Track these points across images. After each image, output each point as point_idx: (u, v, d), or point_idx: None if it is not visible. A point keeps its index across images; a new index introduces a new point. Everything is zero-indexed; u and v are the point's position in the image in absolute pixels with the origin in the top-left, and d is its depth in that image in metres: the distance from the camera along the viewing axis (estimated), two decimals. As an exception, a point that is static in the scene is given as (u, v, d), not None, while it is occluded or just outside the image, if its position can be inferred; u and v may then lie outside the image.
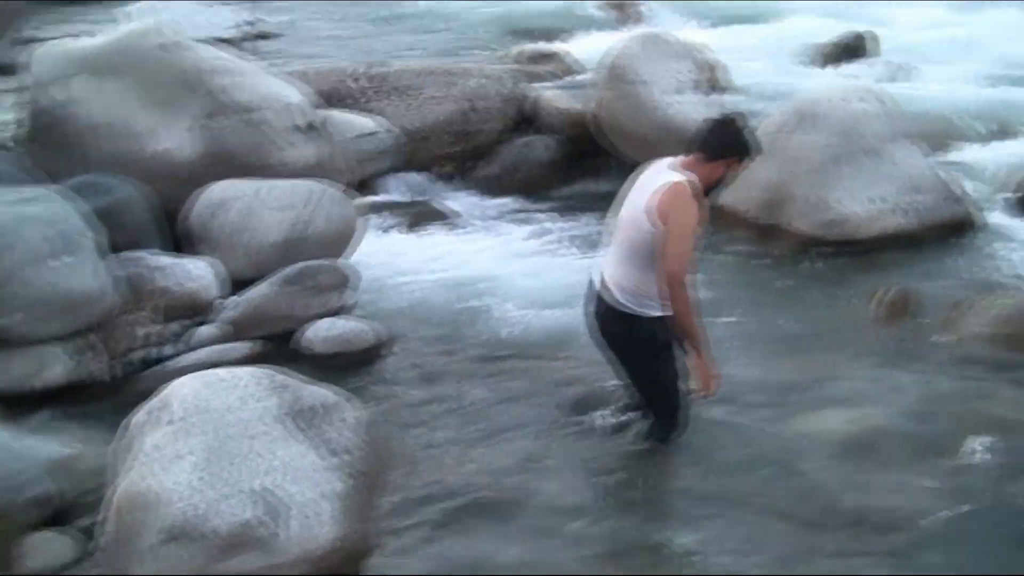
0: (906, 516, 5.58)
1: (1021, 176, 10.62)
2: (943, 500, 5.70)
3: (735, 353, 7.11)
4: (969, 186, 10.39)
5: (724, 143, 5.89)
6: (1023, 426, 6.40)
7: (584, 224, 10.22)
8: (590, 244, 9.63)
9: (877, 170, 9.63)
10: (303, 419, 5.31)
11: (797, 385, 6.96)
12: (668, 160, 6.00)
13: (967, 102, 12.68)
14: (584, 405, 6.74)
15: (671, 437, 6.24)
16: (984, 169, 10.92)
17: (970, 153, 11.44)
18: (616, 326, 6.05)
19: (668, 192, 5.72)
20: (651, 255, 5.75)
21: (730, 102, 11.70)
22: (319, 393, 5.60)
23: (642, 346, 6.02)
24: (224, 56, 9.18)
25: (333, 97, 11.34)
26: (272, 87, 9.12)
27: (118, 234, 7.61)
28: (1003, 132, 11.98)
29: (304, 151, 8.95)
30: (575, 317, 7.75)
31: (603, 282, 6.04)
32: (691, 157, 5.89)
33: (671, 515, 5.68)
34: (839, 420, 6.52)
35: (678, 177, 5.77)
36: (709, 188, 5.89)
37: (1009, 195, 10.45)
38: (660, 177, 5.84)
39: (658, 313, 5.86)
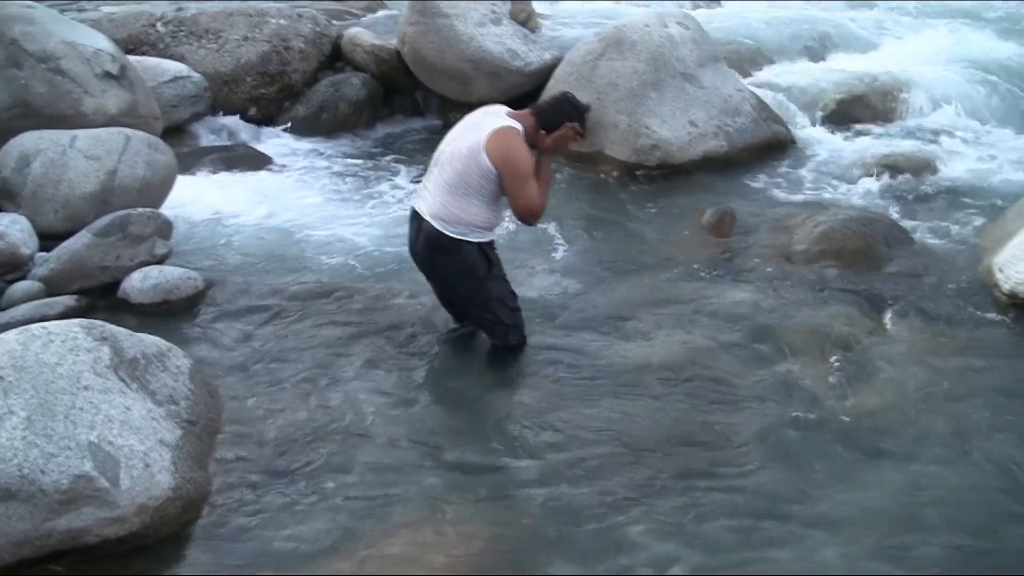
0: (740, 433, 5.76)
1: (832, 95, 10.99)
2: (773, 416, 5.90)
3: (564, 279, 7.26)
4: (783, 107, 10.73)
5: (562, 112, 6.28)
6: (844, 338, 6.65)
7: (397, 161, 10.26)
8: (404, 181, 9.70)
9: (691, 94, 9.85)
10: (129, 370, 5.30)
11: (627, 309, 7.09)
12: (499, 107, 6.44)
13: (777, 23, 13.03)
14: (411, 337, 6.82)
15: (515, 349, 6.56)
16: (797, 90, 11.20)
17: (782, 74, 11.75)
18: (442, 254, 6.33)
19: (501, 135, 6.12)
20: (478, 189, 6.15)
21: (542, 32, 11.87)
22: (143, 343, 5.59)
23: (471, 269, 6.33)
24: (18, 3, 8.87)
25: (134, 43, 11.10)
26: (75, 34, 8.86)
27: (-82, 193, 7.39)
28: (814, 52, 12.37)
29: (112, 99, 8.74)
30: (391, 254, 7.90)
31: (429, 213, 6.28)
32: (526, 113, 6.32)
33: (512, 443, 5.74)
34: (670, 342, 6.68)
35: (511, 123, 6.18)
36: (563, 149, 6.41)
37: (821, 114, 10.81)
38: (493, 120, 6.21)
39: (484, 239, 6.32)
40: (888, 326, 6.86)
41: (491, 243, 6.47)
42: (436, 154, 6.40)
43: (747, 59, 11.77)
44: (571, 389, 6.26)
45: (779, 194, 9.14)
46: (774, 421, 5.86)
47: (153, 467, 4.92)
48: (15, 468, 4.64)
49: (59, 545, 4.71)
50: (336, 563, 4.86)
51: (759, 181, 9.44)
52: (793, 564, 4.78)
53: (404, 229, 7.26)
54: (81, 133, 8.10)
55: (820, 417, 5.88)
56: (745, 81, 10.67)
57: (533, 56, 10.81)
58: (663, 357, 6.51)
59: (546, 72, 10.56)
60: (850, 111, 10.84)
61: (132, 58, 9.76)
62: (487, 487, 5.39)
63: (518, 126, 6.20)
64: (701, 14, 12.14)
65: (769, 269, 7.67)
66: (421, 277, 6.73)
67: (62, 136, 8.05)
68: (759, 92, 10.65)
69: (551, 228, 8.16)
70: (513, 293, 6.57)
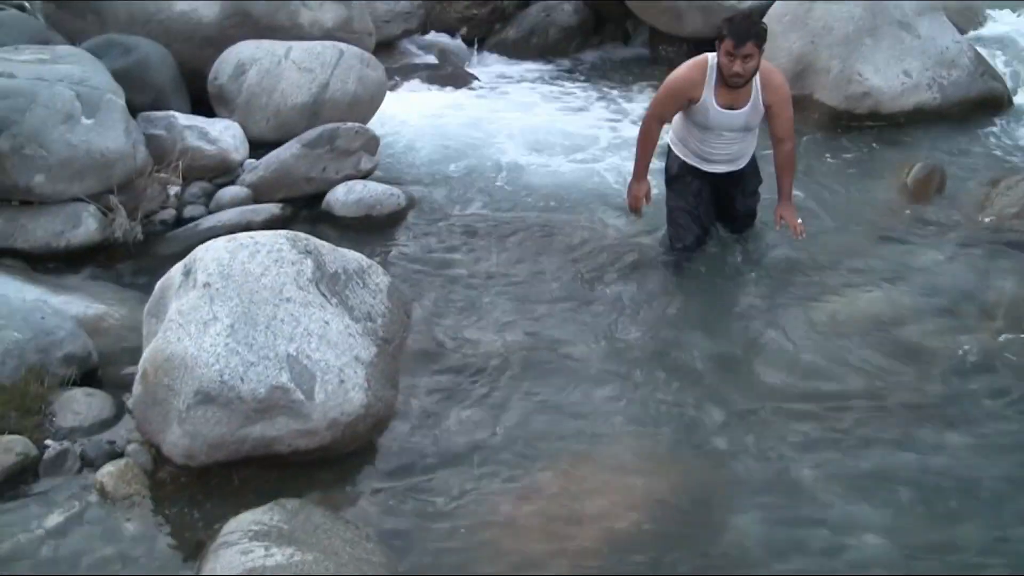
0: (933, 401, 5.55)
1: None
2: (970, 386, 5.66)
3: (762, 230, 7.11)
4: (1002, 63, 10.25)
5: (720, 29, 6.31)
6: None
7: (605, 88, 10.18)
8: (611, 108, 9.62)
9: (906, 43, 9.47)
10: (330, 284, 5.37)
11: (825, 262, 6.90)
12: None
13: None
14: (607, 270, 6.78)
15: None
16: (1019, 44, 10.72)
17: (1004, 27, 11.24)
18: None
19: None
20: None
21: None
22: (345, 258, 5.66)
23: (664, 172, 6.98)
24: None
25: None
26: (295, -53, 8.99)
27: (139, 95, 7.59)
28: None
29: (328, 12, 8.84)
30: (594, 183, 7.87)
31: None
32: None
33: (703, 389, 5.64)
34: (864, 300, 6.48)
35: (706, 54, 6.48)
36: (728, 74, 6.31)
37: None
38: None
39: (679, 152, 6.88)
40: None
41: (686, 164, 6.81)
42: None
43: (966, 9, 11.25)
44: (760, 339, 6.12)
45: (991, 154, 8.72)
46: (970, 392, 5.62)
47: (347, 383, 4.99)
48: (216, 373, 4.75)
49: (251, 451, 4.82)
50: (501, 493, 4.87)
51: (971, 139, 9.02)
52: (979, 535, 4.62)
53: (608, 157, 7.20)
54: (296, 45, 8.23)
55: (1009, 400, 5.58)
56: (964, 34, 10.19)
57: (748, -8, 10.57)
58: (860, 315, 6.31)
59: (761, 11, 10.21)
60: (1077, 71, 10.29)
61: (350, -28, 9.86)
62: (673, 429, 5.33)
63: (709, 56, 6.42)
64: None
65: (975, 233, 7.32)
66: (618, 209, 6.95)
67: (278, 47, 8.19)
68: (977, 45, 10.17)
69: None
70: (682, 225, 6.84)
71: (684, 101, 6.49)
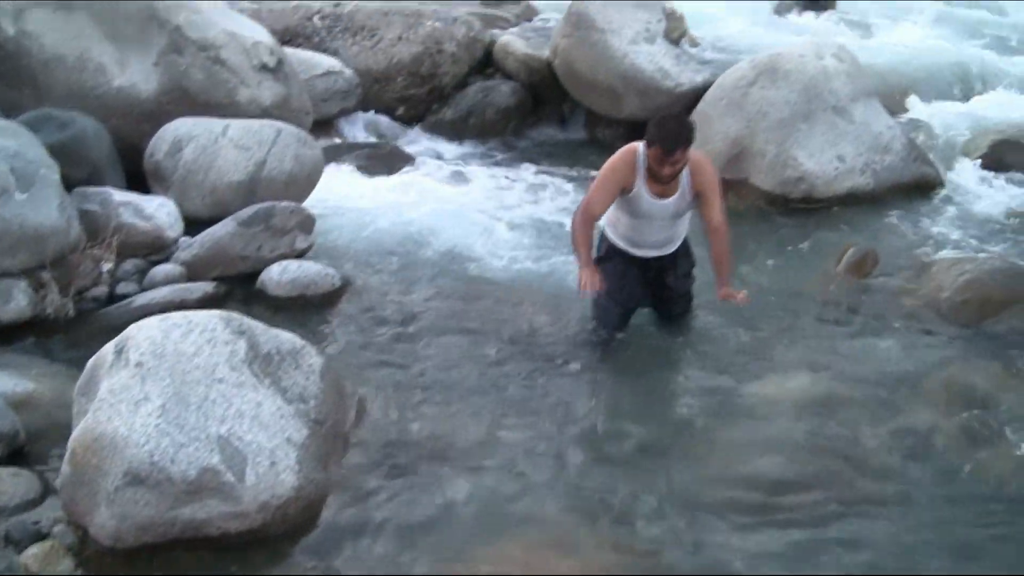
0: (865, 483, 5.61)
1: (985, 138, 10.68)
2: (898, 470, 5.73)
3: (698, 310, 7.18)
4: (933, 146, 10.48)
5: (647, 131, 6.38)
6: (981, 393, 6.43)
7: (540, 170, 10.27)
8: (546, 189, 9.71)
9: (841, 128, 9.67)
10: (263, 365, 5.36)
11: (759, 345, 6.99)
12: None
13: (930, 58, 12.77)
14: (546, 346, 6.83)
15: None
16: (948, 129, 10.96)
17: (933, 113, 11.47)
18: None
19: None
20: None
21: (694, 53, 11.77)
22: (279, 338, 5.64)
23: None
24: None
25: (290, 35, 11.30)
26: (236, 24, 9.02)
27: (74, 170, 7.56)
28: (967, 91, 12.06)
29: (266, 91, 8.89)
30: (529, 260, 7.94)
31: None
32: None
33: (639, 469, 5.67)
34: (801, 383, 6.55)
35: (636, 144, 6.53)
36: (658, 174, 6.44)
37: (973, 156, 10.50)
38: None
39: (608, 235, 6.98)
40: (1031, 383, 6.64)
41: (615, 247, 6.90)
42: None
43: (898, 95, 11.50)
44: (696, 422, 6.17)
45: (924, 237, 8.88)
46: (900, 475, 5.68)
47: (279, 465, 4.97)
48: (146, 454, 4.72)
49: (181, 534, 4.78)
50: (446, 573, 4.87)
51: (904, 222, 9.20)
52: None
53: (545, 241, 7.23)
54: (234, 123, 8.25)
55: (948, 476, 5.67)
56: (896, 118, 10.42)
57: (684, 77, 10.73)
58: (795, 396, 6.38)
59: (696, 94, 10.45)
60: (1003, 156, 10.46)
61: (287, 50, 9.91)
62: (612, 511, 5.33)
63: (639, 145, 6.47)
64: (849, 43, 11.86)
65: (908, 315, 7.46)
66: (557, 283, 7.07)
67: (215, 124, 8.20)
68: (908, 130, 10.40)
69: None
70: (603, 307, 6.87)
71: (618, 192, 6.56)
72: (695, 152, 6.49)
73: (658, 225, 6.69)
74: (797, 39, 12.37)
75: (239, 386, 5.11)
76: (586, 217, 6.59)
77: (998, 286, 7.67)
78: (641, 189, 6.50)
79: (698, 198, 6.63)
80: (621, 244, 6.85)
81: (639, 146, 6.46)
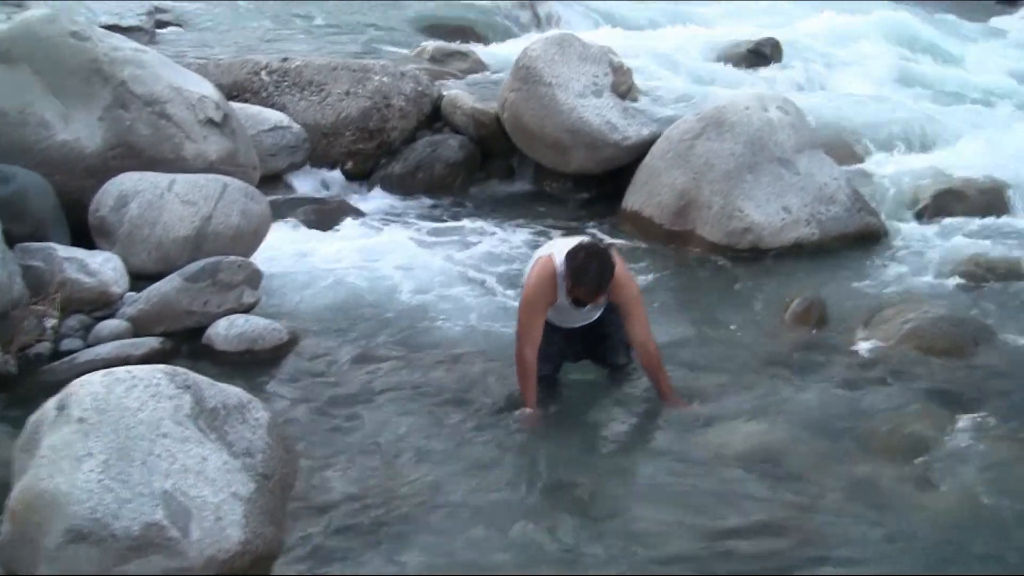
0: (812, 533, 5.60)
1: (929, 189, 10.78)
2: (848, 518, 5.72)
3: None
4: (878, 197, 10.58)
5: (568, 261, 6.41)
6: (925, 440, 6.45)
7: (489, 224, 10.27)
8: (495, 244, 9.70)
9: (786, 180, 9.74)
10: (208, 419, 5.30)
11: (706, 396, 6.97)
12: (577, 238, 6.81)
13: (877, 111, 12.92)
14: (494, 404, 6.80)
15: None
16: (892, 179, 11.05)
17: (878, 163, 11.60)
18: None
19: (535, 264, 6.65)
20: None
21: (641, 107, 11.85)
22: (225, 393, 5.58)
23: None
24: (131, 45, 9.03)
25: (238, 90, 11.26)
26: (182, 79, 8.99)
27: (17, 225, 7.47)
28: (911, 143, 12.16)
29: (212, 146, 8.83)
30: (477, 317, 7.94)
31: None
32: None
33: (581, 527, 5.60)
34: (748, 432, 6.55)
35: (551, 253, 6.59)
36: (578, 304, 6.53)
37: (917, 206, 10.61)
38: (552, 246, 6.73)
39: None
40: (973, 431, 6.60)
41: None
42: None
43: (842, 146, 11.61)
44: (644, 474, 6.19)
45: (869, 287, 8.94)
46: (849, 523, 5.67)
47: (224, 520, 4.90)
48: (88, 511, 4.65)
49: (125, 591, 4.71)
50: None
51: (849, 272, 9.26)
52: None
53: (491, 295, 7.23)
54: (180, 177, 8.19)
55: (893, 521, 5.68)
56: (841, 169, 10.51)
57: (631, 130, 10.77)
58: (741, 448, 6.38)
59: (643, 147, 10.51)
60: (946, 206, 10.58)
61: (235, 105, 9.88)
62: (561, 562, 5.30)
63: (558, 258, 6.47)
64: (794, 95, 11.99)
65: (854, 364, 7.50)
66: (507, 341, 6.89)
67: (161, 179, 8.14)
68: (853, 181, 10.49)
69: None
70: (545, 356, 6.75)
71: (546, 312, 6.60)
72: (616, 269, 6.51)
73: (584, 314, 6.74)
74: (743, 91, 12.49)
75: (184, 441, 5.05)
76: (523, 353, 6.58)
77: (941, 335, 7.75)
78: (563, 300, 6.53)
79: (619, 312, 6.68)
80: (548, 316, 6.77)
81: (555, 264, 6.47)
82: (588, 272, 6.33)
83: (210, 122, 8.86)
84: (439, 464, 6.13)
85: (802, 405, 6.91)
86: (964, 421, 6.67)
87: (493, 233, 10.04)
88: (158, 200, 7.97)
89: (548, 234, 9.84)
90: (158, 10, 15.85)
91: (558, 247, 6.59)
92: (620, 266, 6.56)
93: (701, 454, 6.32)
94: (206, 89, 9.13)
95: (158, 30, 15.14)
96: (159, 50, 10.61)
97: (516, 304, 7.41)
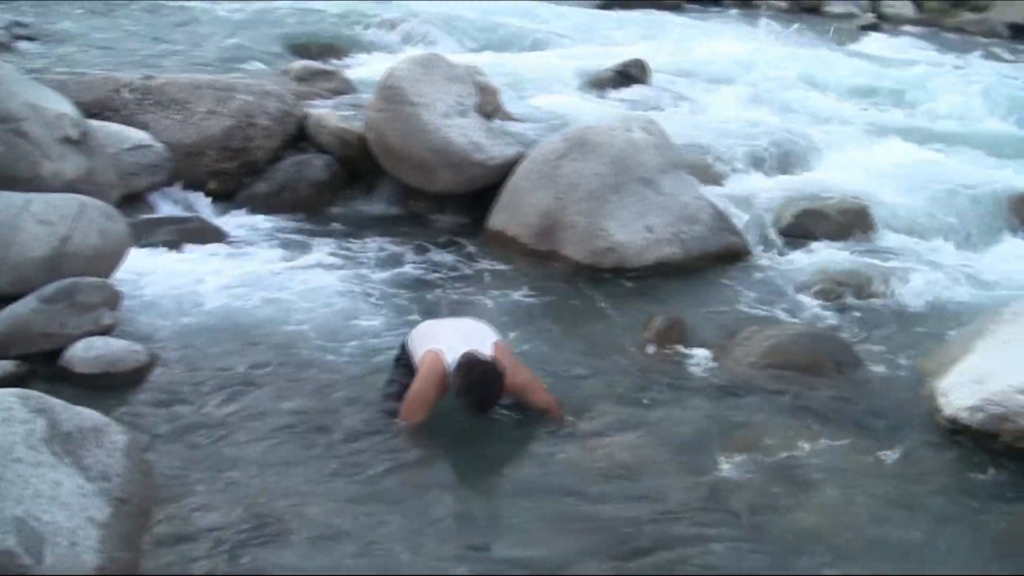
0: (673, 544, 5.72)
1: (790, 208, 11.03)
2: (708, 528, 5.86)
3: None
4: (740, 217, 10.76)
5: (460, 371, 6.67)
6: (783, 452, 6.67)
7: (353, 244, 10.23)
8: (358, 263, 9.68)
9: (650, 200, 9.91)
10: (63, 443, 5.23)
11: (569, 414, 7.02)
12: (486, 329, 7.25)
13: (737, 131, 13.14)
14: (361, 423, 6.80)
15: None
16: (755, 199, 11.25)
17: (740, 183, 11.77)
18: None
19: (424, 358, 6.84)
20: None
21: (507, 127, 11.93)
22: (80, 416, 5.51)
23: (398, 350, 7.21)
24: (-13, 63, 8.89)
25: (99, 107, 11.06)
26: (38, 95, 8.84)
27: None
28: (773, 163, 12.42)
29: (70, 164, 8.70)
30: (341, 335, 7.93)
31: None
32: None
33: (457, 547, 5.65)
34: (609, 449, 6.64)
35: (440, 349, 6.83)
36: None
37: (779, 225, 10.83)
38: (438, 338, 6.99)
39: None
40: (829, 445, 6.81)
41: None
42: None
43: (706, 167, 11.79)
44: (510, 492, 6.24)
45: (730, 305, 9.15)
46: (709, 533, 5.81)
47: (79, 545, 4.83)
48: (-63, 539, 4.56)
49: (-25, 621, 4.62)
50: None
51: (711, 291, 9.46)
52: None
53: (355, 312, 7.23)
54: (36, 197, 8.04)
55: (750, 531, 5.85)
56: (703, 189, 10.72)
57: (496, 151, 10.85)
58: (604, 464, 6.47)
59: (508, 167, 10.60)
60: (807, 225, 10.84)
61: (95, 123, 9.74)
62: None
63: (447, 360, 6.72)
64: (660, 117, 12.18)
65: (715, 381, 7.67)
66: (374, 365, 7.14)
67: (16, 198, 7.98)
68: (717, 201, 10.69)
69: (496, 325, 8.09)
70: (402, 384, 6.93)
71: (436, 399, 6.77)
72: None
73: None
74: (608, 112, 12.66)
75: (37, 465, 4.98)
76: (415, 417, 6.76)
77: (801, 351, 7.97)
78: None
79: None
80: None
81: (445, 364, 6.70)
82: (479, 390, 6.59)
83: (67, 140, 8.73)
84: (301, 488, 6.09)
85: (663, 421, 7.03)
86: (820, 438, 6.88)
87: (358, 253, 10.01)
88: (13, 220, 7.81)
89: (421, 251, 10.07)
90: (16, 24, 15.52)
91: (447, 341, 6.84)
92: (506, 362, 6.81)
93: (562, 471, 6.40)
94: (64, 107, 9.00)
95: (18, 43, 14.83)
96: (16, 65, 10.40)
97: (378, 324, 7.48)
